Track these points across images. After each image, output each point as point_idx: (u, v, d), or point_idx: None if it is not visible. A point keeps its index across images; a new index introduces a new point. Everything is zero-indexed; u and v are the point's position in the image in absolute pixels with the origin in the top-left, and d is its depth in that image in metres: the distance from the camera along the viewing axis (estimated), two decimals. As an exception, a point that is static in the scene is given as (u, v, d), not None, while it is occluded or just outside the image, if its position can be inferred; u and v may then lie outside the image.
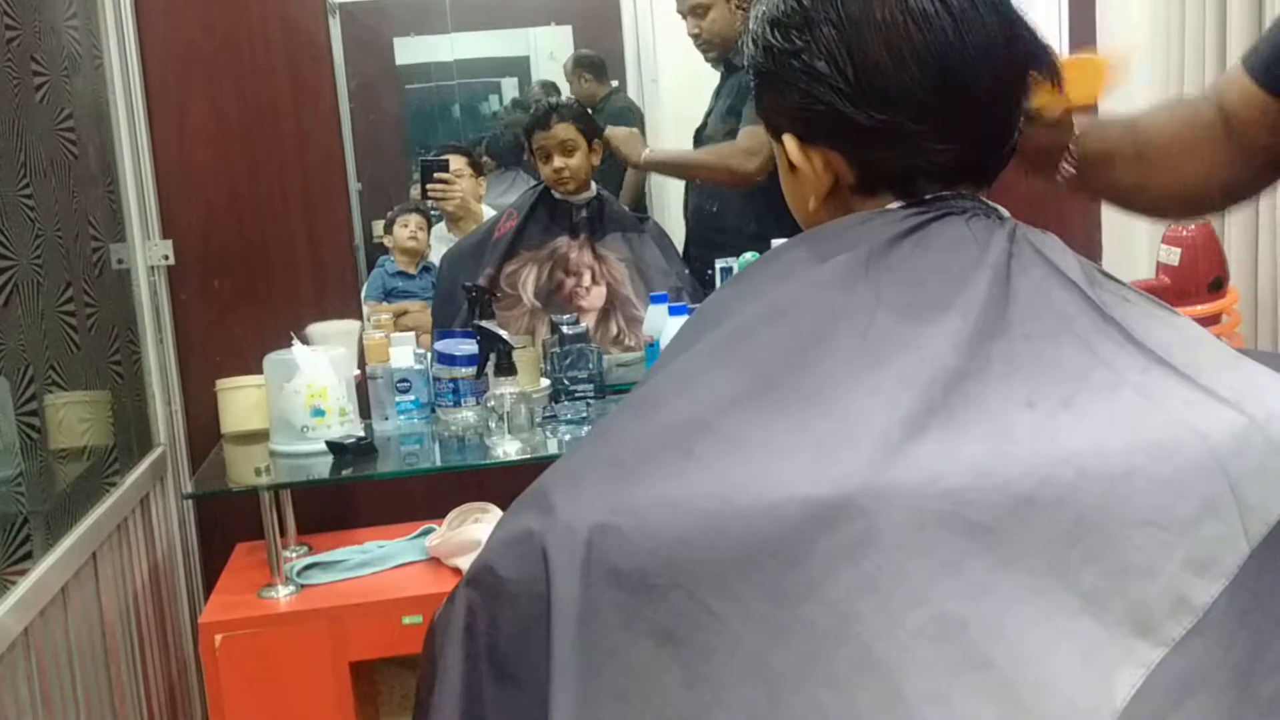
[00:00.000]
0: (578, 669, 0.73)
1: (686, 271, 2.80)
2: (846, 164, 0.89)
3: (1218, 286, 2.34)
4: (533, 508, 0.78)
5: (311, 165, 2.62)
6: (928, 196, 0.88)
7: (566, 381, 2.48)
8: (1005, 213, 0.89)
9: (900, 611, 0.72)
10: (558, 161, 2.70)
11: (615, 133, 2.76)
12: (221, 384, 2.47)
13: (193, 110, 2.55)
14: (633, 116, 2.90)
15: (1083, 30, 2.81)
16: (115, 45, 2.41)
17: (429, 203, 2.80)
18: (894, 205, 0.89)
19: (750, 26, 0.92)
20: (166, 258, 2.54)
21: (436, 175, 2.75)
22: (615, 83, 2.93)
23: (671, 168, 2.86)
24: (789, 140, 0.90)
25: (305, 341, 2.40)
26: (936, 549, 0.72)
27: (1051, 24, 2.76)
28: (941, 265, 0.83)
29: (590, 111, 2.83)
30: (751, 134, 2.55)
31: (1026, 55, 0.89)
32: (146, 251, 2.50)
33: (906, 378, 0.77)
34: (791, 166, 0.91)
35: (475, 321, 2.39)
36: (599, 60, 2.91)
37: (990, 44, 0.85)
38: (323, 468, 2.24)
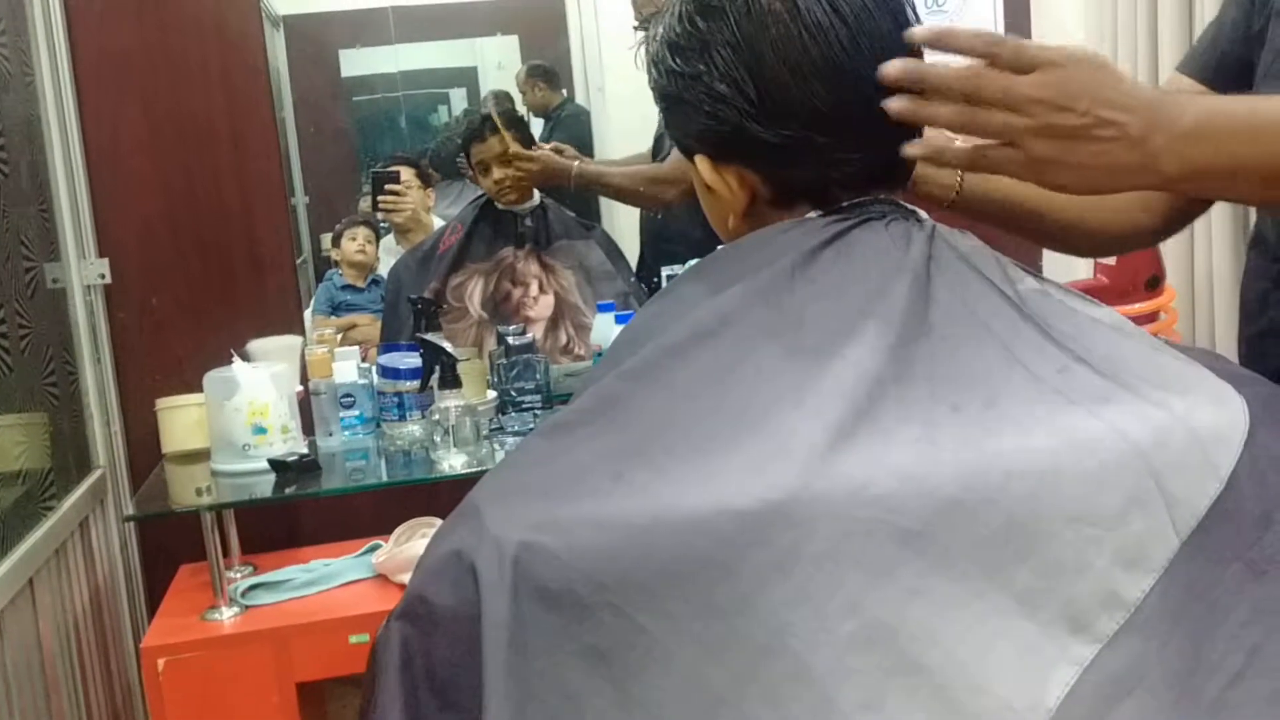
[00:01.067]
0: (510, 693, 0.72)
1: (634, 279, 2.80)
2: (761, 180, 0.89)
3: (1154, 285, 2.37)
4: (463, 525, 0.77)
5: (250, 179, 2.58)
6: (845, 204, 0.88)
7: (513, 393, 2.46)
8: (923, 214, 0.90)
9: (832, 621, 0.72)
10: (497, 173, 2.69)
11: (538, 158, 2.70)
12: (161, 403, 2.43)
13: (127, 126, 2.51)
14: (584, 124, 2.90)
15: (1019, 33, 2.83)
16: (46, 60, 2.37)
17: (379, 215, 2.78)
18: (813, 215, 0.89)
19: (649, 50, 0.92)
20: (103, 276, 2.50)
21: (388, 187, 2.74)
22: (565, 91, 2.92)
23: (600, 189, 2.82)
24: (701, 161, 0.90)
25: (246, 358, 2.37)
26: (867, 557, 0.73)
27: (986, 28, 2.79)
28: (863, 272, 0.83)
29: (545, 120, 2.82)
30: (676, 161, 2.53)
31: (921, 55, 0.89)
32: (82, 270, 2.46)
33: (832, 387, 0.77)
34: (708, 186, 0.91)
35: (418, 334, 2.37)
36: (551, 69, 2.91)
37: (887, 48, 0.85)
38: (266, 486, 2.21)
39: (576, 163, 2.69)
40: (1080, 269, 2.65)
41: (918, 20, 0.89)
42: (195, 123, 2.54)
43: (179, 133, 2.53)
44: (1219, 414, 0.79)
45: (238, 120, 2.56)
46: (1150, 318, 2.38)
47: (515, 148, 2.65)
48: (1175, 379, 0.81)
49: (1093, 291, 2.32)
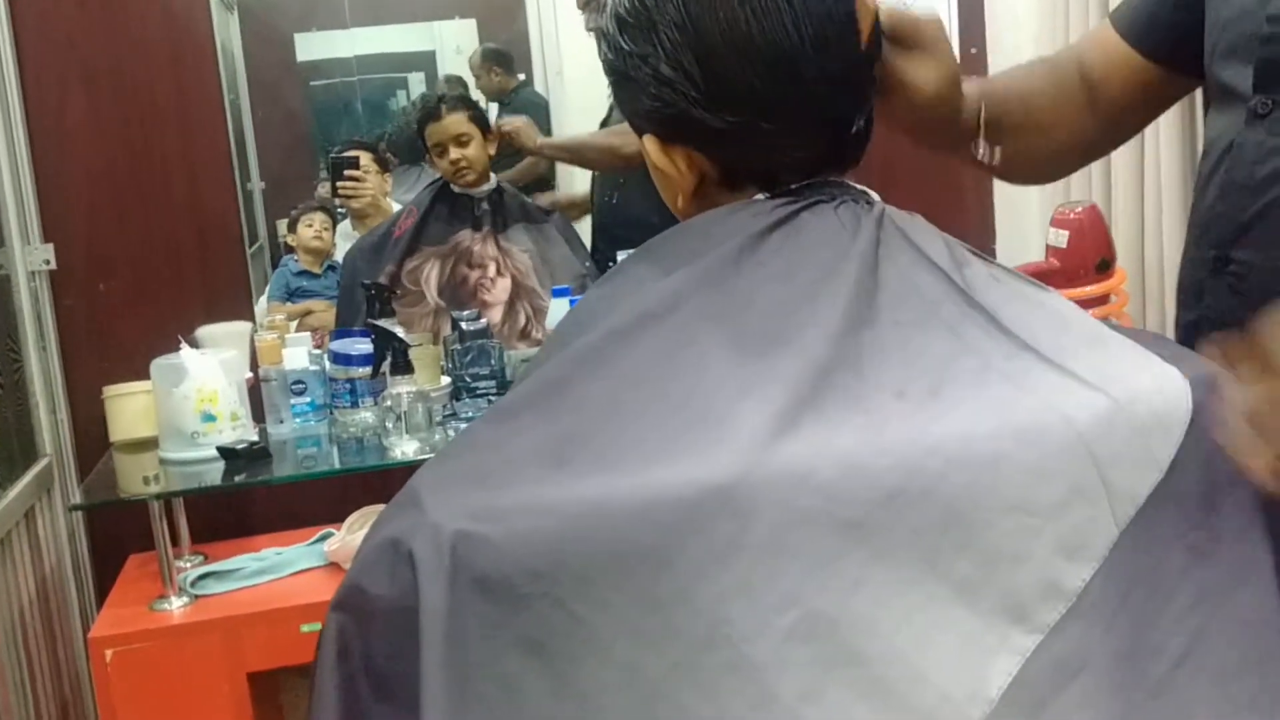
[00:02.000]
0: (446, 683, 0.71)
1: (590, 264, 2.79)
2: (708, 161, 0.88)
3: (1105, 267, 2.39)
4: (402, 512, 0.76)
5: (199, 164, 2.55)
6: (794, 186, 0.87)
7: (468, 379, 2.44)
8: (874, 196, 0.89)
9: (772, 613, 0.71)
10: (454, 153, 2.67)
11: (510, 120, 2.73)
12: (109, 391, 2.39)
13: (72, 109, 2.47)
14: (540, 109, 2.88)
15: (972, 27, 2.85)
16: (-13, 42, 2.33)
17: (338, 200, 2.76)
18: (760, 197, 0.88)
19: (601, 23, 0.90)
20: (48, 262, 2.46)
21: (347, 173, 2.72)
22: (523, 75, 2.90)
23: (566, 153, 2.85)
24: (649, 141, 0.89)
25: (194, 345, 2.34)
26: (807, 547, 0.72)
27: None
28: (811, 257, 0.82)
29: (500, 104, 2.81)
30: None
31: (871, 36, 0.88)
32: (26, 256, 2.42)
33: (777, 374, 0.76)
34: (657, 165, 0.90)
35: (370, 320, 2.35)
36: (506, 53, 2.89)
37: (834, 31, 0.84)
38: (215, 474, 2.18)
39: (543, 137, 2.76)
40: (1032, 251, 2.67)
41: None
42: (142, 106, 2.51)
43: (125, 116, 2.50)
44: (1163, 400, 0.78)
45: (186, 103, 2.53)
46: (1101, 300, 2.40)
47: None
48: (1121, 365, 0.81)
49: (1043, 274, 2.34)
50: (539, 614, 0.71)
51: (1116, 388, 0.78)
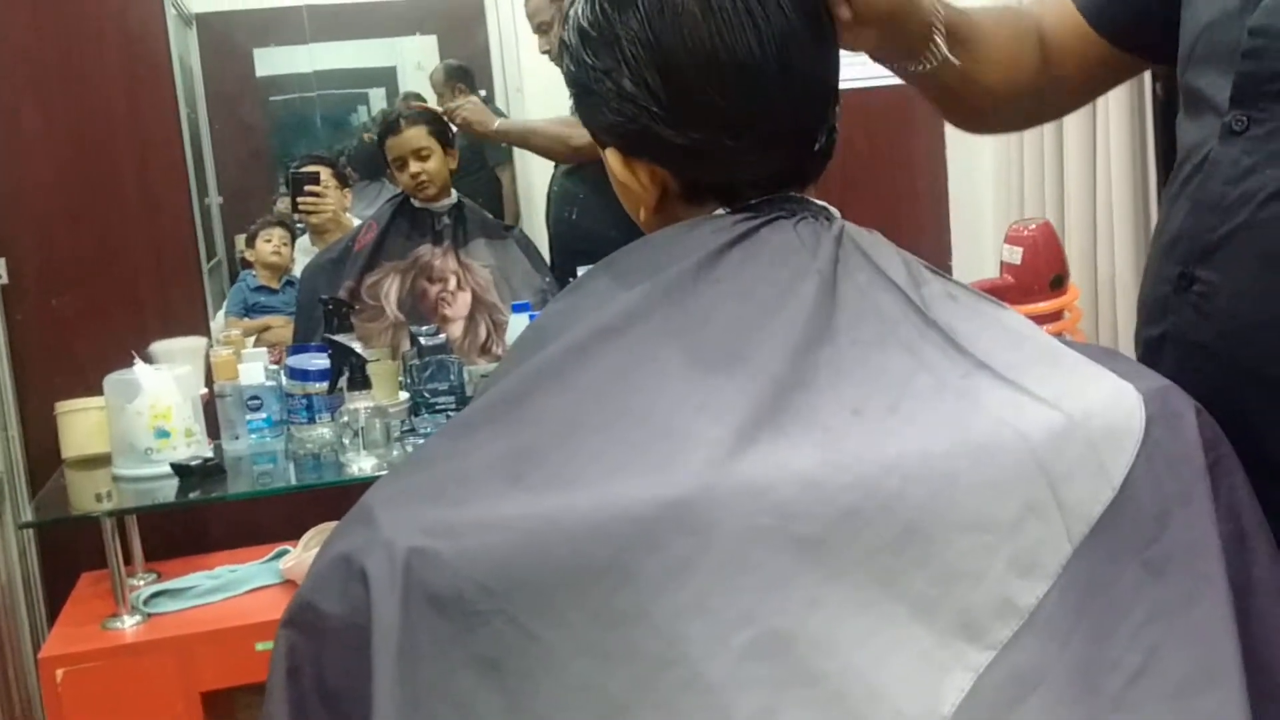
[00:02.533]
0: (399, 703, 0.70)
1: (550, 279, 2.79)
2: (671, 175, 0.88)
3: (1059, 284, 2.42)
4: (355, 528, 0.75)
5: (154, 178, 2.53)
6: (754, 201, 0.87)
7: (426, 394, 2.43)
8: (835, 212, 0.89)
9: (729, 631, 0.71)
10: (414, 167, 2.67)
11: (462, 105, 2.72)
12: (61, 406, 2.37)
13: (26, 122, 2.44)
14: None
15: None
16: (-62, 54, 2.30)
17: (298, 216, 2.74)
18: (721, 212, 0.88)
19: (563, 33, 0.90)
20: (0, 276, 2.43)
21: (308, 188, 2.70)
22: (484, 92, 2.90)
23: (516, 135, 2.84)
24: (612, 155, 0.89)
25: (148, 360, 2.32)
26: (764, 565, 0.72)
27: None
28: (769, 274, 0.82)
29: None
30: None
31: (835, 50, 0.89)
32: (-24, 271, 2.39)
33: (736, 391, 0.76)
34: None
35: (327, 335, 2.33)
36: (467, 70, 2.89)
37: (799, 48, 0.84)
38: (169, 491, 2.16)
39: (499, 120, 2.75)
40: (988, 268, 2.69)
41: (834, 22, 0.88)
42: (97, 120, 2.49)
43: (79, 130, 2.48)
44: (1116, 417, 0.79)
45: (141, 118, 2.51)
46: (1055, 316, 2.42)
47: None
48: (1075, 381, 0.81)
49: (998, 290, 2.37)
50: (493, 632, 0.70)
51: (1070, 404, 0.79)
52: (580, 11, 0.88)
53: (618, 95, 0.85)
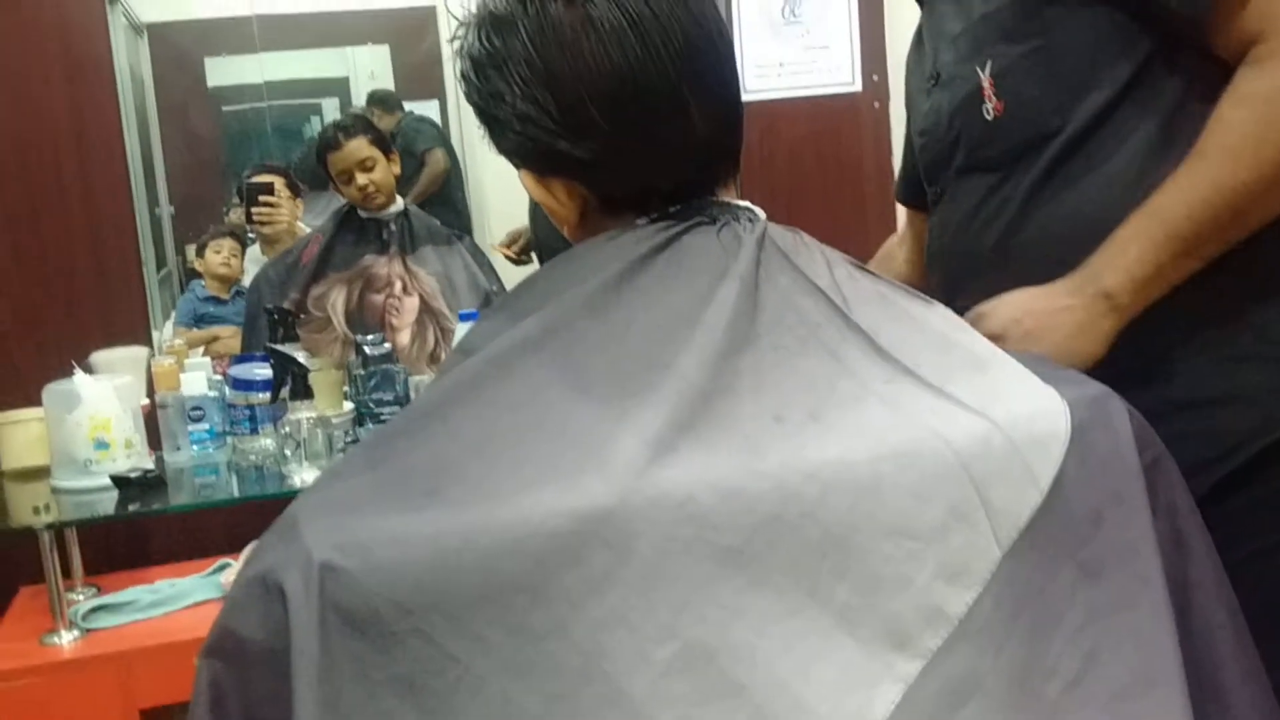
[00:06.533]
0: None
1: (497, 287, 2.77)
2: (587, 189, 0.88)
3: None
4: (274, 544, 0.74)
5: (96, 186, 2.49)
6: (673, 210, 0.87)
7: (372, 404, 2.41)
8: (759, 213, 0.89)
9: (650, 644, 0.70)
10: (360, 179, 2.64)
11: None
12: (-1, 418, 2.32)
13: (-38, 128, 2.40)
14: (427, 125, 2.90)
15: (873, 56, 2.89)
16: None
17: (252, 226, 2.72)
18: (640, 221, 0.87)
19: (460, 65, 0.89)
20: (-66, 285, 2.39)
21: (262, 199, 2.68)
22: (407, 108, 2.91)
23: None
24: (526, 177, 0.89)
25: (89, 370, 2.28)
26: (684, 576, 0.71)
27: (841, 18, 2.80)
28: (689, 281, 0.82)
29: (392, 137, 2.79)
30: None
31: (729, 48, 0.88)
32: (-89, 279, 2.34)
33: (655, 399, 0.75)
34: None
35: (269, 344, 2.31)
36: (389, 95, 2.90)
37: (686, 57, 0.84)
38: (108, 504, 2.12)
39: None
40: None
41: (722, 24, 0.88)
42: (36, 127, 2.44)
43: (18, 137, 2.44)
44: (1042, 421, 0.79)
45: (83, 125, 2.47)
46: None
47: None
48: (1001, 387, 0.82)
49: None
50: (410, 651, 0.69)
51: (996, 410, 0.79)
52: (470, 42, 0.88)
53: (515, 117, 0.85)
